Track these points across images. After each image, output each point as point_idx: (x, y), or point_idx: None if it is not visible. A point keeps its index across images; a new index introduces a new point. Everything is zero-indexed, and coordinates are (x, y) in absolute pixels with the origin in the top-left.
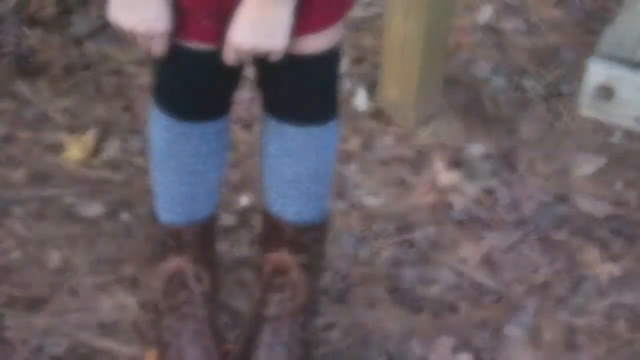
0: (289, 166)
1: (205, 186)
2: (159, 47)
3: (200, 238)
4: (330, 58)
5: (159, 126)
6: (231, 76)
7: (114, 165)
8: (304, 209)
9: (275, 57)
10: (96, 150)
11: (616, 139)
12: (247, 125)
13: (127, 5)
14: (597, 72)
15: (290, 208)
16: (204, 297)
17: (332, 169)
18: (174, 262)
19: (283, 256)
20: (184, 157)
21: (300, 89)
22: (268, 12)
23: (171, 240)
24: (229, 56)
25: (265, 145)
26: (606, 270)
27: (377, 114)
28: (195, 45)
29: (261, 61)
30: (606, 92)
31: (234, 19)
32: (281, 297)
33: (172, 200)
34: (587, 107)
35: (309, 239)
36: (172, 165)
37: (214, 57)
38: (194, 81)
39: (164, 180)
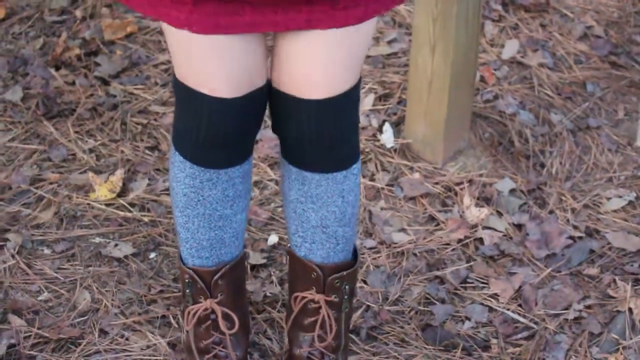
0: (314, 211)
1: (233, 229)
2: None
3: (229, 279)
4: (348, 102)
5: (184, 174)
6: (253, 121)
7: (141, 204)
8: (332, 253)
9: None
10: (124, 190)
11: None
12: (274, 164)
13: None
14: None
15: (318, 252)
16: (235, 339)
17: (358, 210)
18: (204, 304)
19: (312, 295)
20: (212, 203)
21: (321, 135)
22: None
23: (200, 282)
24: None
25: (287, 191)
26: (639, 304)
27: (405, 151)
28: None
29: (278, 106)
30: None
31: None
32: (311, 336)
33: (199, 246)
34: None
35: (338, 278)
36: (200, 212)
37: (236, 105)
38: (218, 130)
39: (191, 227)
